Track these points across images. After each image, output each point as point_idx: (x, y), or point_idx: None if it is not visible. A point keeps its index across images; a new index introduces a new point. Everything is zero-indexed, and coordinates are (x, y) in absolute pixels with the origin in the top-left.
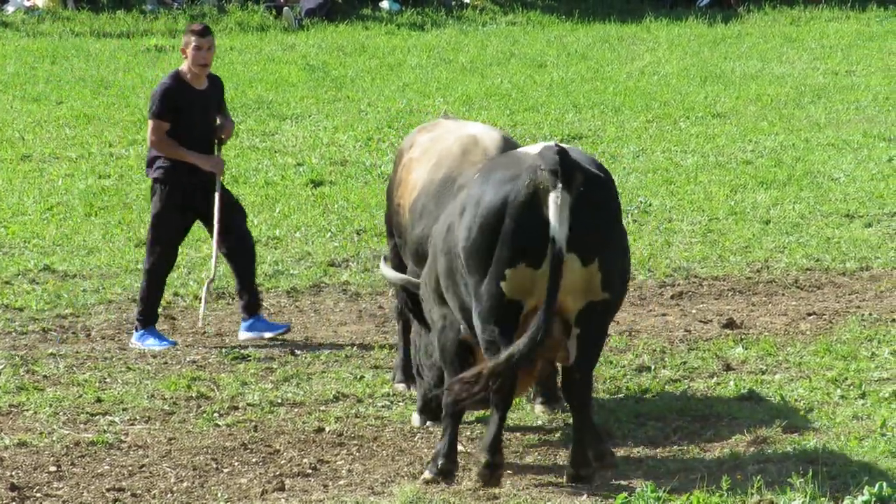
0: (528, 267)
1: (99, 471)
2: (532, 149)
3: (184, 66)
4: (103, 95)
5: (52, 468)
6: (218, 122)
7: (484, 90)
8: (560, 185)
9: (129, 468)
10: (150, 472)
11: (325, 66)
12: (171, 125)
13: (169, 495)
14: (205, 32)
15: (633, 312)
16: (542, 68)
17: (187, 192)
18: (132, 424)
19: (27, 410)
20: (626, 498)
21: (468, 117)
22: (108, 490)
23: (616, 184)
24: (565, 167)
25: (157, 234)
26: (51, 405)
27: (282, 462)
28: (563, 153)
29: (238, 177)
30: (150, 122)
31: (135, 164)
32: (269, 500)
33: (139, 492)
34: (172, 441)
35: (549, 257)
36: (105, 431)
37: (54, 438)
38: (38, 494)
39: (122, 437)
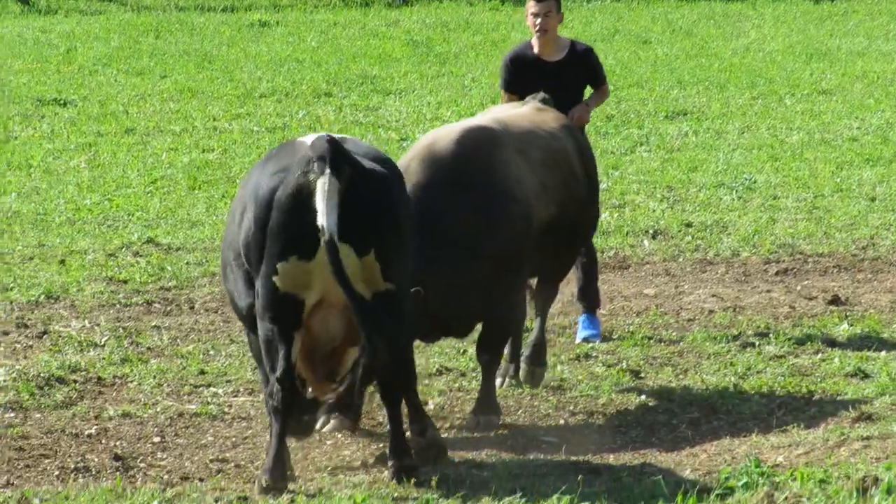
0: (300, 260)
1: (202, 442)
2: (308, 139)
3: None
4: (207, 69)
5: (156, 439)
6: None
7: None
8: (328, 172)
9: (233, 439)
10: (254, 444)
11: (429, 42)
12: (521, 97)
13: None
14: None
15: (737, 289)
16: (647, 45)
17: None
18: (235, 396)
19: (131, 382)
20: (729, 472)
21: None
22: (211, 461)
23: (401, 178)
24: (335, 155)
25: None
26: (155, 377)
27: (384, 435)
28: (333, 142)
29: None
30: (501, 93)
31: (238, 139)
32: (372, 473)
33: (242, 462)
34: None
35: (323, 246)
36: (208, 403)
37: (158, 409)
38: (142, 465)
39: (226, 409)
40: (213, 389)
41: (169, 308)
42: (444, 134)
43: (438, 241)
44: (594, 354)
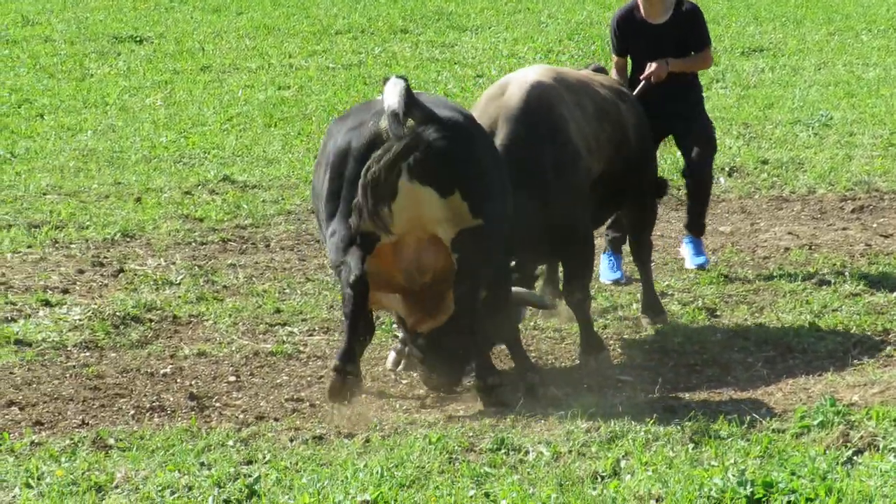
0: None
1: (277, 381)
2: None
3: None
4: (283, 6)
5: (231, 378)
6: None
7: None
8: (396, 77)
9: (308, 379)
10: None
11: None
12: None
13: (347, 406)
14: None
15: (813, 226)
16: None
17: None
18: (311, 335)
19: (207, 321)
20: (805, 411)
21: None
22: (286, 400)
23: (478, 124)
24: (407, 98)
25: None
26: (230, 315)
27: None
28: (406, 89)
29: (417, 88)
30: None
31: (314, 76)
32: (448, 411)
33: (317, 402)
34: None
35: (386, 119)
36: (284, 342)
37: (233, 349)
38: (217, 404)
39: (301, 348)
40: (288, 328)
41: (244, 246)
42: (512, 89)
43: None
44: (670, 293)
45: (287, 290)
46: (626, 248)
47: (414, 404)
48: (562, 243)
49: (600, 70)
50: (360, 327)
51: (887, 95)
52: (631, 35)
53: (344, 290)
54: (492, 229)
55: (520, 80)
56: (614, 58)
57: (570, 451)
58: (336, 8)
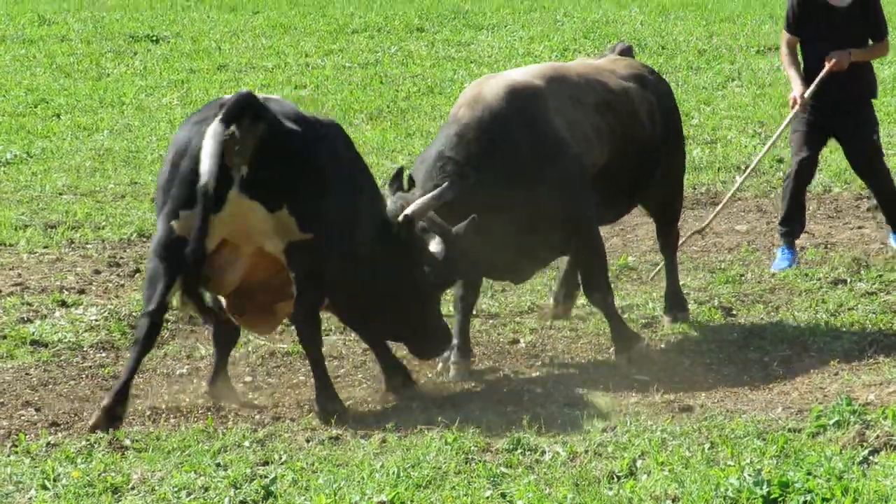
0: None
1: (294, 381)
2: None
3: None
4: (300, 5)
5: (248, 378)
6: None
7: (681, 0)
8: (219, 118)
9: None
10: (345, 382)
11: None
12: (804, 41)
13: (364, 405)
14: None
15: (829, 225)
16: None
17: (821, 110)
18: (327, 335)
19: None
20: (821, 410)
21: (663, 29)
22: (303, 400)
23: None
24: (238, 108)
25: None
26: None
27: (475, 370)
28: (249, 95)
29: (433, 87)
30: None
31: (331, 74)
32: (462, 412)
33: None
34: (367, 351)
35: (198, 190)
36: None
37: (250, 349)
38: (234, 405)
39: None
40: None
41: None
42: (488, 90)
43: (495, 190)
44: (686, 292)
45: None
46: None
47: (430, 404)
48: (565, 237)
49: (627, 52)
50: (141, 362)
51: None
52: (811, 16)
53: (140, 318)
54: (326, 243)
55: (495, 80)
56: (786, 35)
57: (586, 451)
58: (352, 7)
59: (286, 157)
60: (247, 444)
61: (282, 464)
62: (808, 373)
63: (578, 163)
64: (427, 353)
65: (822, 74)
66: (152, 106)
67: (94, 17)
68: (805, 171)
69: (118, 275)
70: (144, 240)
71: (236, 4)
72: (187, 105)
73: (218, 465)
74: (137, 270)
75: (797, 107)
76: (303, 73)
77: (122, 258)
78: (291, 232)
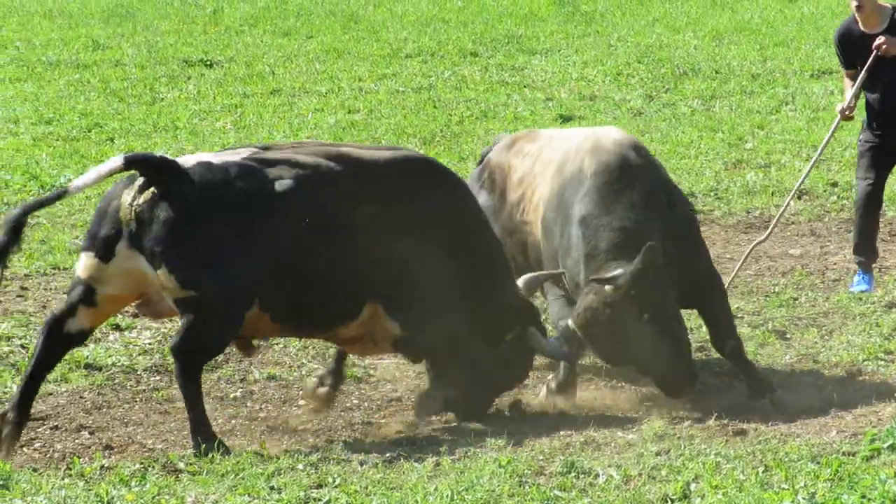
0: (96, 258)
1: (347, 405)
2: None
3: None
4: (353, 30)
5: (301, 402)
6: None
7: (734, 25)
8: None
9: (378, 402)
10: (399, 406)
11: (576, 1)
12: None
13: (419, 430)
14: None
15: (883, 248)
16: (793, 2)
17: (886, 133)
18: (380, 359)
19: (277, 344)
20: (875, 434)
21: (717, 54)
22: (356, 423)
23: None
24: (134, 162)
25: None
26: (300, 340)
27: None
28: (145, 158)
29: (487, 111)
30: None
31: (384, 99)
32: (514, 436)
33: (388, 424)
34: (421, 375)
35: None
36: (354, 365)
37: (304, 372)
38: (287, 428)
39: (371, 372)
40: None
41: None
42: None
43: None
44: (740, 315)
45: None
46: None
47: (481, 427)
48: (700, 290)
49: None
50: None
51: None
52: (853, 48)
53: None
54: (210, 300)
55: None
56: (844, 71)
57: (640, 475)
58: (406, 31)
59: (165, 217)
60: (300, 466)
61: (335, 486)
62: (861, 396)
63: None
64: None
65: (871, 57)
66: (206, 131)
67: (147, 42)
68: (870, 196)
69: None
70: None
71: (290, 29)
72: (241, 129)
73: (272, 487)
74: None
75: (840, 115)
76: (356, 98)
77: None
78: (175, 290)
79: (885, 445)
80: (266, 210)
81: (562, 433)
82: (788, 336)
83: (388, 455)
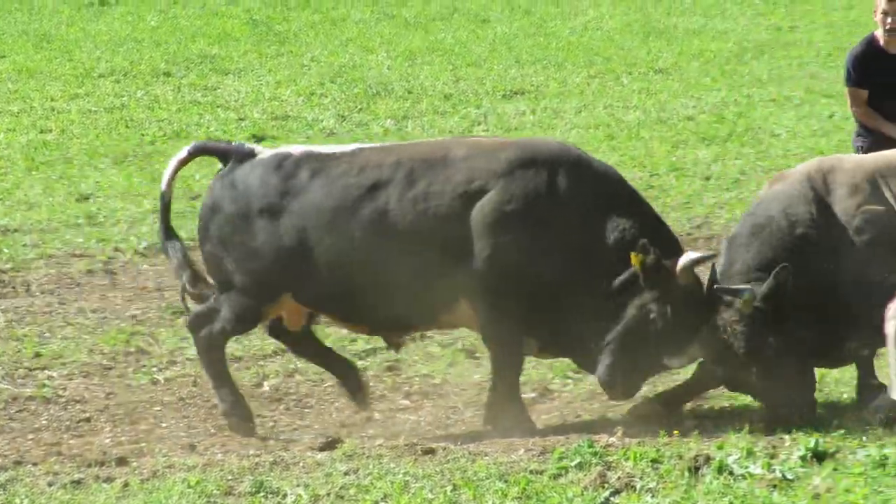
0: None
1: (36, 425)
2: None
3: (878, 31)
4: (45, 49)
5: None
6: None
7: (427, 45)
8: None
9: (67, 423)
10: (89, 428)
11: (269, 21)
12: (870, 94)
13: (108, 450)
14: None
15: None
16: (486, 23)
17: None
18: (70, 379)
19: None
20: (562, 452)
21: (410, 73)
22: (45, 445)
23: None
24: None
25: None
26: None
27: (220, 416)
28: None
29: (180, 131)
30: (846, 90)
31: (76, 119)
32: (208, 454)
33: (77, 446)
34: (111, 395)
35: None
36: (44, 386)
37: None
38: None
39: (61, 392)
40: (48, 372)
41: (4, 290)
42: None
43: None
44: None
45: (47, 335)
46: None
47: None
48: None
49: None
50: None
51: (647, 137)
52: (871, 69)
53: None
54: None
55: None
56: (852, 90)
57: (328, 494)
58: (99, 51)
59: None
60: None
61: None
62: (550, 416)
63: None
64: None
65: None
66: None
67: None
68: None
69: None
70: None
71: None
72: None
73: None
74: None
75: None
76: (48, 118)
77: None
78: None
79: (573, 464)
80: None
81: (251, 453)
82: (478, 355)
83: (76, 476)
